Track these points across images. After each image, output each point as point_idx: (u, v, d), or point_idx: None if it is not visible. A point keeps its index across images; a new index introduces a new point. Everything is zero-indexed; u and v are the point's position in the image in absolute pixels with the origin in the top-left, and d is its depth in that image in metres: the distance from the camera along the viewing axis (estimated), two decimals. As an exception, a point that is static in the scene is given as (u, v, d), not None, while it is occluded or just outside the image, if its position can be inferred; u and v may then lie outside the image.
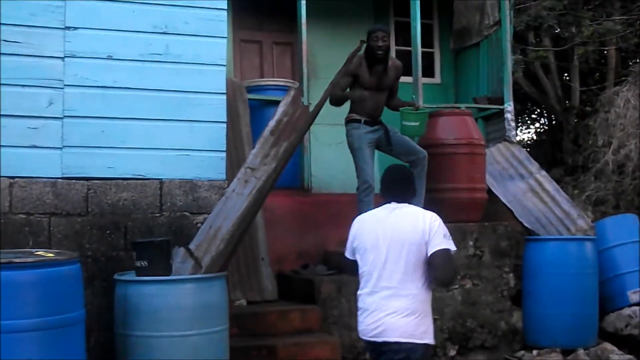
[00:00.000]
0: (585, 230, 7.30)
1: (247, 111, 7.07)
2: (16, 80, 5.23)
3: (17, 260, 3.93)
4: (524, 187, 7.64)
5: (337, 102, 6.52)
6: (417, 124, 6.72)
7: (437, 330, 5.86)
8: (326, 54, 8.58)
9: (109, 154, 5.50)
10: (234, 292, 6.32)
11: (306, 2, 7.91)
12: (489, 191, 7.50)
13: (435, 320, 4.15)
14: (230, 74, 8.04)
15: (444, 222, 4.04)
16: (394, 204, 4.10)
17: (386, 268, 3.95)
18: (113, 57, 5.54)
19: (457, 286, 6.86)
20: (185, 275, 4.88)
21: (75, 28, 5.45)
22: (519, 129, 15.26)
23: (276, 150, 5.38)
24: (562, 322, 6.83)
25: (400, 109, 6.79)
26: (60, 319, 3.98)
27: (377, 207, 4.22)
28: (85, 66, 5.46)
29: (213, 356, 4.79)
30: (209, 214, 5.37)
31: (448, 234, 3.96)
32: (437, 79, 9.87)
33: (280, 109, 5.56)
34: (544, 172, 7.81)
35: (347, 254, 4.25)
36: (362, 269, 4.08)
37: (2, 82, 5.18)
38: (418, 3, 8.30)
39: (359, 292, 4.10)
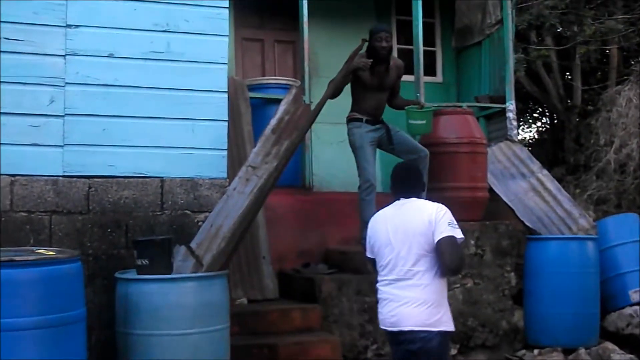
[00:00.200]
0: (587, 230, 7.29)
1: (248, 109, 7.07)
2: (17, 78, 5.23)
3: (18, 258, 3.93)
4: (525, 186, 7.64)
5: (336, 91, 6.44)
6: (424, 122, 6.74)
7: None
8: (328, 52, 8.58)
9: (110, 152, 5.50)
10: (235, 290, 6.32)
11: (308, 1, 7.90)
12: (491, 190, 7.49)
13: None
14: (232, 72, 8.04)
15: None
16: (402, 200, 4.27)
17: (398, 260, 4.12)
18: (114, 55, 5.53)
19: (458, 285, 6.86)
20: (186, 273, 4.87)
21: (77, 26, 5.45)
22: (520, 127, 15.25)
23: (277, 149, 5.37)
24: (563, 322, 6.81)
25: (406, 107, 6.79)
26: (61, 318, 3.98)
27: (387, 205, 4.38)
28: (86, 64, 5.45)
29: (214, 355, 4.79)
30: (210, 212, 5.37)
31: (454, 222, 4.09)
32: (439, 78, 9.86)
33: (282, 107, 5.56)
34: (545, 171, 7.80)
35: (367, 254, 4.43)
36: (379, 263, 4.27)
37: (3, 80, 5.17)
38: (420, 2, 8.28)
39: (377, 285, 4.30)
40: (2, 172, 5.17)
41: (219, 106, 5.81)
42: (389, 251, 4.17)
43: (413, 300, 4.05)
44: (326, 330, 6.22)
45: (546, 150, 14.09)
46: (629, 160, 10.05)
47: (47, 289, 3.96)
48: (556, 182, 7.84)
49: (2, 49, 5.18)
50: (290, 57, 9.18)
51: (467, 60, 9.74)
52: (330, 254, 7.18)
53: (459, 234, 4.07)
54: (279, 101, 5.77)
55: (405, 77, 7.07)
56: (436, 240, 4.03)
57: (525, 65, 11.90)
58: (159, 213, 5.62)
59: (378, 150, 6.76)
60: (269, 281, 6.61)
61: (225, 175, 5.83)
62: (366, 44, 6.35)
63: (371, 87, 6.58)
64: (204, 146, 5.74)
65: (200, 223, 5.54)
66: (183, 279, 4.84)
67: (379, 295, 4.27)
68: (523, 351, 6.94)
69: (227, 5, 5.91)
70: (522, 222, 7.37)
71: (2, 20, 5.19)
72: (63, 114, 5.38)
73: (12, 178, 5.23)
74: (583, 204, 9.57)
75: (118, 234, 5.48)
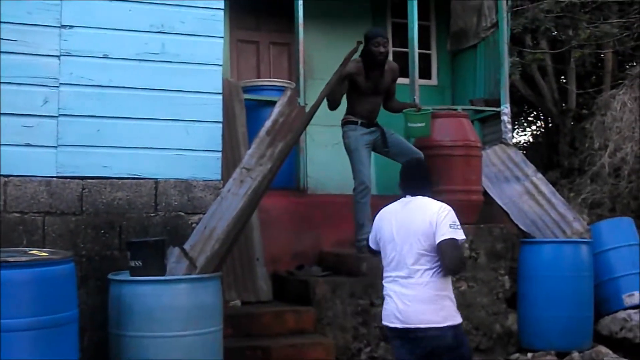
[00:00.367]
0: (581, 233, 7.30)
1: (243, 111, 7.06)
2: (11, 78, 5.22)
3: (10, 259, 3.92)
4: (520, 189, 7.64)
5: (334, 102, 6.49)
6: (423, 124, 6.75)
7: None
8: (323, 54, 8.58)
9: (104, 153, 5.49)
10: (229, 292, 6.31)
11: (303, 3, 7.89)
12: (485, 193, 7.49)
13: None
14: (227, 74, 8.04)
15: None
16: (408, 197, 4.33)
17: (401, 258, 4.18)
18: (109, 56, 5.53)
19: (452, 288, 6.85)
20: (180, 275, 4.86)
21: (72, 26, 5.44)
22: (515, 131, 15.29)
23: (272, 151, 5.36)
24: (557, 325, 6.82)
25: (404, 111, 6.80)
26: (53, 319, 3.97)
27: (393, 201, 4.44)
28: (81, 65, 5.44)
29: (207, 357, 4.78)
30: (204, 214, 5.36)
31: (456, 223, 4.17)
32: (434, 81, 9.86)
33: (277, 109, 5.55)
34: (540, 175, 7.81)
35: (370, 243, 4.54)
36: (384, 260, 4.33)
37: (-4, 80, 5.17)
38: (415, 4, 8.29)
39: (383, 282, 4.35)
40: (-5, 173, 5.17)
41: (214, 108, 5.81)
42: (392, 248, 4.24)
43: (417, 299, 4.10)
44: (320, 332, 6.21)
45: (541, 154, 14.13)
46: (624, 164, 10.06)
47: (40, 290, 3.95)
48: (550, 185, 7.85)
49: (-4, 49, 5.19)
50: (285, 59, 9.17)
51: (462, 63, 9.74)
52: (324, 256, 7.18)
53: (460, 236, 4.14)
54: (273, 103, 5.77)
55: (400, 80, 7.06)
56: (437, 242, 4.09)
57: (520, 69, 11.92)
58: (152, 214, 5.61)
59: (373, 153, 6.76)
60: (262, 283, 6.59)
61: (219, 177, 5.83)
62: (361, 46, 6.34)
63: (366, 91, 6.58)
64: (198, 148, 5.74)
65: (194, 225, 5.53)
66: (176, 280, 4.83)
67: (384, 292, 4.33)
68: (517, 354, 6.94)
69: (222, 7, 5.91)
70: (517, 225, 7.37)
71: (-4, 20, 5.19)
72: (57, 115, 5.37)
73: (6, 178, 5.22)
74: (577, 207, 9.58)
75: (111, 235, 5.47)
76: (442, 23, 9.87)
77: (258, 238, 6.66)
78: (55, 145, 5.36)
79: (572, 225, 7.34)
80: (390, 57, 6.91)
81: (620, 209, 9.95)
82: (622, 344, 7.20)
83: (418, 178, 4.40)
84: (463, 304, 6.87)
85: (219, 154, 5.83)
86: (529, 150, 15.04)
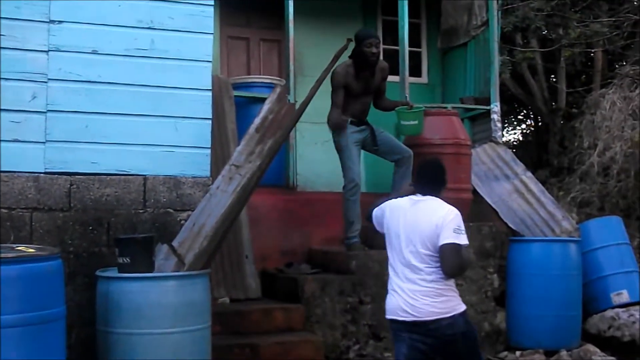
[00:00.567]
0: (570, 232, 7.31)
1: (232, 108, 7.03)
2: (-1, 73, 5.18)
3: (-3, 255, 3.89)
4: (509, 188, 7.65)
5: (338, 124, 6.53)
6: (416, 122, 6.77)
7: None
8: (313, 52, 8.56)
9: (93, 149, 5.46)
10: (217, 289, 6.29)
11: (294, 0, 7.88)
12: (474, 191, 7.50)
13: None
14: (217, 70, 8.01)
15: None
16: (418, 196, 4.42)
17: (407, 255, 4.26)
18: (98, 52, 5.49)
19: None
20: (168, 272, 4.84)
21: (60, 22, 5.40)
22: (505, 129, 15.31)
23: (261, 148, 5.35)
24: (545, 324, 6.83)
25: (397, 109, 6.80)
26: (40, 315, 3.94)
27: (382, 199, 4.59)
28: (69, 60, 5.41)
29: (195, 354, 4.76)
30: (192, 211, 5.34)
31: (460, 228, 4.21)
32: (424, 79, 9.85)
33: (266, 106, 5.54)
34: (529, 174, 7.81)
35: (374, 219, 4.59)
36: (390, 254, 4.41)
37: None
38: (406, 2, 8.28)
39: (389, 272, 4.43)
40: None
41: (203, 104, 5.79)
42: (397, 243, 4.32)
43: (423, 294, 4.18)
44: (308, 330, 6.20)
45: (530, 153, 14.16)
46: (613, 163, 10.09)
47: (27, 287, 3.91)
48: (540, 184, 7.86)
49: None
50: (275, 56, 9.15)
51: (452, 61, 9.75)
52: (313, 253, 7.17)
53: (463, 240, 4.19)
54: (263, 100, 5.75)
55: (390, 78, 7.07)
56: (439, 245, 4.16)
57: (510, 68, 11.94)
58: (141, 211, 5.59)
59: (362, 151, 6.76)
60: (251, 280, 6.58)
61: (208, 173, 5.81)
62: (352, 44, 6.32)
63: (357, 92, 6.61)
64: (187, 144, 5.71)
65: (182, 222, 5.51)
66: (164, 277, 4.81)
67: (388, 286, 4.39)
68: (505, 353, 6.95)
69: (212, 3, 5.89)
70: (506, 223, 7.38)
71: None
72: (45, 110, 5.33)
73: (-7, 174, 5.18)
74: (566, 206, 9.60)
75: (99, 232, 5.44)
76: (432, 21, 9.87)
77: (247, 235, 6.65)
78: (44, 140, 5.33)
79: (561, 224, 7.36)
80: (381, 56, 6.89)
81: (609, 208, 9.99)
82: (610, 342, 7.22)
83: (430, 178, 4.48)
84: (452, 302, 6.89)
85: (208, 151, 5.81)
86: (519, 149, 15.07)
